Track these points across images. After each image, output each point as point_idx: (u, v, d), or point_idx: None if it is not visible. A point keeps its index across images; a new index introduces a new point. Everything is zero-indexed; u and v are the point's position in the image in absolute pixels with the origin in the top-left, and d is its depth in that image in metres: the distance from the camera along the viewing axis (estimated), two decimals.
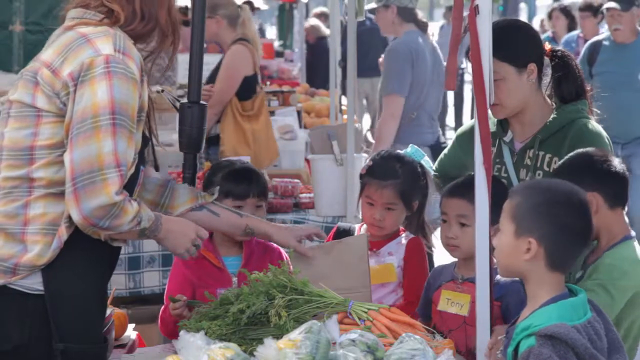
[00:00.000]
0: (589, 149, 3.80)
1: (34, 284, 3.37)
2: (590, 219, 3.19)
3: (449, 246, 3.98)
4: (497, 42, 3.42)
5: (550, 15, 12.33)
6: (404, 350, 3.29)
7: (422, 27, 8.28)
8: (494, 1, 25.96)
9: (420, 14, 8.76)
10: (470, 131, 4.35)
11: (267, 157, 7.45)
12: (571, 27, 11.88)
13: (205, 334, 3.48)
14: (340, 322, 3.61)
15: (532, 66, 4.08)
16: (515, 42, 4.07)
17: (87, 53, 3.33)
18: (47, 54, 3.42)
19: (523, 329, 3.08)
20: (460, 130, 4.54)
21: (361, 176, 4.50)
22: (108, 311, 4.03)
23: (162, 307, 4.32)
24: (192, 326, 3.64)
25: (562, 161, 3.83)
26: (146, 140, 3.58)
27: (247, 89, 7.36)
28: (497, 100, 4.01)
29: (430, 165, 4.59)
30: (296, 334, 3.28)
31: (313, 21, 16.52)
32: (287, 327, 3.53)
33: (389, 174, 4.37)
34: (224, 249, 4.38)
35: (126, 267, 6.03)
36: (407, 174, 4.39)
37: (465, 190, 3.78)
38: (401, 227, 4.49)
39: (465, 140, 4.37)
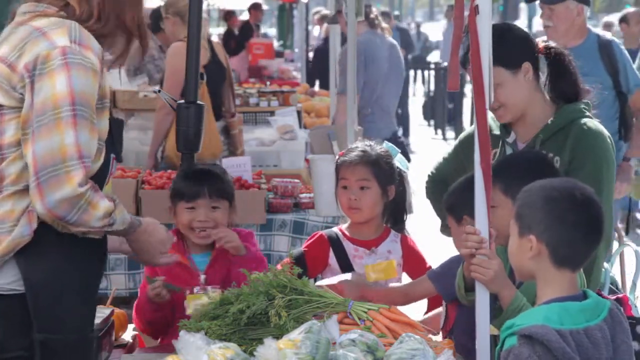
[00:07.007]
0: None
1: (5, 284, 3.31)
2: (593, 211, 3.12)
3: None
4: None
5: (623, 20, 9.49)
6: (404, 350, 3.29)
7: (376, 25, 8.35)
8: (494, 1, 25.97)
9: (375, 12, 8.82)
10: (472, 136, 4.33)
11: (209, 153, 7.45)
12: None
13: (205, 334, 3.48)
14: (340, 322, 3.62)
15: (527, 65, 4.07)
16: (503, 44, 3.94)
17: (43, 45, 3.28)
18: (1, 50, 3.36)
19: (507, 327, 3.05)
20: (462, 134, 4.52)
21: (336, 168, 4.59)
22: (108, 311, 4.04)
23: (136, 301, 4.32)
24: (192, 326, 3.64)
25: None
26: (120, 124, 3.52)
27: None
28: (500, 103, 4.01)
29: (405, 164, 4.64)
30: (296, 334, 3.28)
31: None
32: (287, 327, 3.53)
33: (361, 153, 4.51)
34: (194, 246, 4.39)
35: (126, 267, 6.03)
36: (380, 153, 4.52)
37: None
38: (386, 226, 4.58)
39: (466, 144, 4.35)
